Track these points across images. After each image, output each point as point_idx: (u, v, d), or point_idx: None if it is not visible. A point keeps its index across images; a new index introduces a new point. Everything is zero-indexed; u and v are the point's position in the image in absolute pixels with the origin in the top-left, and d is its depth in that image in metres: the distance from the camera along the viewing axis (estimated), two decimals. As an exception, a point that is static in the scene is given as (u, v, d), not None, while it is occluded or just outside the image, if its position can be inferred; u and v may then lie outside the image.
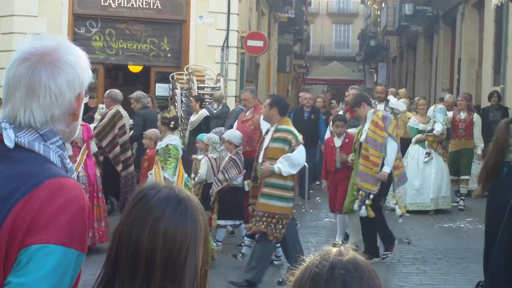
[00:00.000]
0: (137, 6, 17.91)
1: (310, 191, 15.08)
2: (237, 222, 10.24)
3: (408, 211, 13.41)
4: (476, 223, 13.04)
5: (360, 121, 10.63)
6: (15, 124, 2.26)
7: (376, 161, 9.78)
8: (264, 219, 8.58)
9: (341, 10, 68.91)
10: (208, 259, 2.15)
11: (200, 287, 2.11)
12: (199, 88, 15.91)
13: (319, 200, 15.05)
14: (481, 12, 22.57)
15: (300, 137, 8.75)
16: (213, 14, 18.12)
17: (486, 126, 16.18)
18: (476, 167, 15.37)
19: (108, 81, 19.81)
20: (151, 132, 10.53)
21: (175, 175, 9.32)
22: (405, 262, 10.06)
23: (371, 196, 9.78)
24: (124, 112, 11.89)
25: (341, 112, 14.59)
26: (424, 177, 13.88)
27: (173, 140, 9.48)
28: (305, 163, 9.59)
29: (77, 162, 9.53)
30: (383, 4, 45.00)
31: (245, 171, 10.01)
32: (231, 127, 13.86)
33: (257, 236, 8.71)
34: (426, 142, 13.89)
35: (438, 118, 13.90)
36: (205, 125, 13.44)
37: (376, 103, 14.60)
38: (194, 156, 11.32)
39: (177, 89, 16.09)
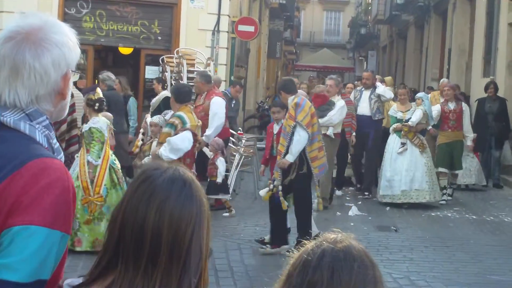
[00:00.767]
0: (128, -13, 17.83)
1: None
2: None
3: (381, 203, 13.45)
4: (463, 212, 13.10)
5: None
6: (0, 104, 2.21)
7: (281, 150, 9.41)
8: None
9: (332, -2, 68.84)
10: (209, 239, 2.13)
11: (204, 269, 2.10)
12: (189, 71, 15.85)
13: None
14: (472, 3, 22.59)
15: (199, 123, 8.80)
16: (205, -3, 18.05)
17: (482, 117, 16.11)
18: (470, 160, 15.27)
19: (97, 62, 19.71)
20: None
21: (99, 157, 9.13)
22: (392, 250, 10.09)
23: (275, 183, 9.45)
24: (76, 92, 11.80)
25: None
26: (395, 168, 13.42)
27: (97, 123, 9.19)
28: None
29: None
30: (375, -7, 44.97)
31: None
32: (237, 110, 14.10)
33: None
34: (402, 132, 13.46)
35: (428, 108, 13.62)
36: (164, 106, 13.31)
37: (363, 89, 14.64)
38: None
39: (167, 72, 16.04)
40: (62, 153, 2.32)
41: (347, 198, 14.01)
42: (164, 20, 18.21)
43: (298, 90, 10.65)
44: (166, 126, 8.84)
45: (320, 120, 12.34)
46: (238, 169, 13.47)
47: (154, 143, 10.18)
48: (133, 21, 18.04)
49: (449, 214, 12.88)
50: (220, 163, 11.81)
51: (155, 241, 1.99)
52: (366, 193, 14.35)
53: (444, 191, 13.96)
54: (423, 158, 13.46)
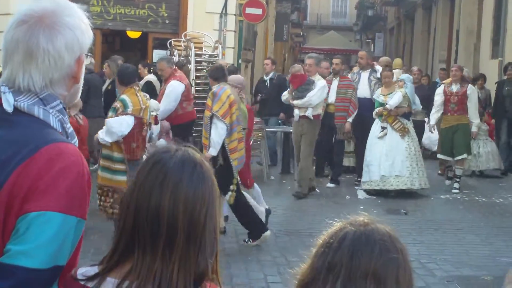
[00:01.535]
0: (136, -29, 17.78)
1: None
2: None
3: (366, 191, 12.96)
4: (472, 195, 13.09)
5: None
6: (14, 88, 2.20)
7: (205, 142, 9.08)
8: (98, 191, 8.42)
9: (339, -21, 68.51)
10: (218, 218, 2.15)
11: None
12: (197, 55, 15.81)
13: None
14: (480, -16, 22.48)
15: (144, 106, 8.47)
16: (212, -20, 17.98)
17: (500, 100, 15.66)
18: (490, 145, 14.86)
19: (105, 46, 19.69)
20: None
21: None
22: (402, 233, 10.07)
23: None
24: None
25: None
26: (375, 153, 12.84)
27: None
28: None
29: None
30: (382, -26, 44.76)
31: None
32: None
33: None
34: (382, 116, 12.89)
35: (409, 91, 13.01)
36: (146, 91, 13.27)
37: (360, 71, 14.18)
38: None
39: (175, 55, 16.00)
40: (76, 137, 2.32)
41: (356, 182, 13.89)
42: (172, 4, 18.16)
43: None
44: (110, 110, 8.60)
45: (299, 102, 12.30)
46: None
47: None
48: (141, 5, 18.00)
49: (459, 197, 12.87)
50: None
51: (172, 225, 2.00)
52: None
53: (457, 179, 13.45)
54: (404, 142, 12.82)
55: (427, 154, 15.75)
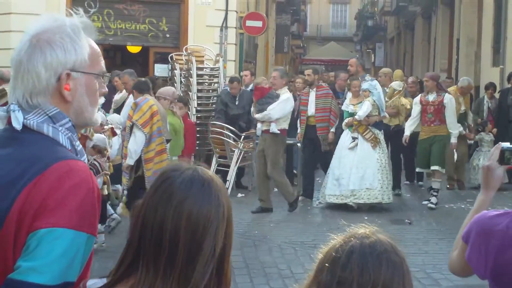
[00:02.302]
0: (136, -14, 17.83)
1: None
2: None
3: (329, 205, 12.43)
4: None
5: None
6: (22, 107, 2.24)
7: (125, 152, 9.07)
8: None
9: (339, -10, 68.70)
10: (231, 240, 2.14)
11: (218, 270, 2.09)
12: (198, 68, 15.85)
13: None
14: (480, -8, 22.53)
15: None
16: (212, -6, 18.02)
17: (504, 109, 15.23)
18: (479, 156, 14.31)
19: (106, 61, 19.31)
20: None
21: None
22: (407, 243, 10.05)
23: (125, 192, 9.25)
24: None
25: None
26: (345, 164, 12.25)
27: None
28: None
29: None
30: (381, -16, 44.90)
31: None
32: (220, 111, 13.88)
33: None
34: (353, 126, 12.33)
35: (377, 99, 12.35)
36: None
37: (349, 80, 13.57)
38: None
39: (176, 69, 16.04)
40: (85, 155, 2.34)
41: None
42: (172, 18, 18.19)
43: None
44: None
45: (259, 115, 11.98)
46: (237, 165, 13.48)
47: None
48: (141, 19, 18.03)
49: (463, 206, 12.83)
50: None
51: (173, 242, 2.01)
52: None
53: (434, 193, 12.76)
54: (375, 153, 12.25)
55: None
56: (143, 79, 10.58)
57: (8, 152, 2.18)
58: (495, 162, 2.95)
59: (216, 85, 15.64)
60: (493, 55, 20.19)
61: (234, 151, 13.42)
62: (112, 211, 9.90)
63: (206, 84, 15.66)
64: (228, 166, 13.45)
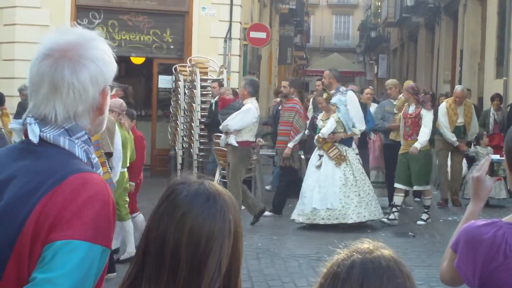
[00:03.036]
0: (140, -3, 17.86)
1: None
2: None
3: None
4: (480, 216, 12.98)
5: None
6: (39, 120, 2.25)
7: None
8: None
9: (341, 1, 68.83)
10: (240, 256, 2.12)
11: (225, 286, 2.08)
12: (202, 80, 15.87)
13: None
14: (483, 4, 22.54)
15: None
16: (216, 5, 18.04)
17: None
18: (472, 171, 13.23)
19: (110, 73, 19.69)
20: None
21: None
22: (410, 256, 10.05)
23: None
24: None
25: None
26: (309, 183, 11.83)
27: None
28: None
29: None
30: (384, -4, 44.95)
31: None
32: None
33: None
34: (319, 144, 11.92)
35: (343, 116, 11.79)
36: None
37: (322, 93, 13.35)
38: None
39: (180, 81, 16.07)
40: (101, 168, 2.37)
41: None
42: (176, 29, 18.23)
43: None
44: None
45: (221, 126, 11.97)
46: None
47: None
48: (145, 31, 18.06)
49: (467, 218, 12.79)
50: None
51: (175, 256, 2.00)
52: None
53: (394, 209, 12.31)
54: (339, 171, 11.70)
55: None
56: None
57: (24, 165, 2.21)
58: (484, 174, 3.03)
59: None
60: (497, 66, 20.18)
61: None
62: None
63: (210, 95, 15.64)
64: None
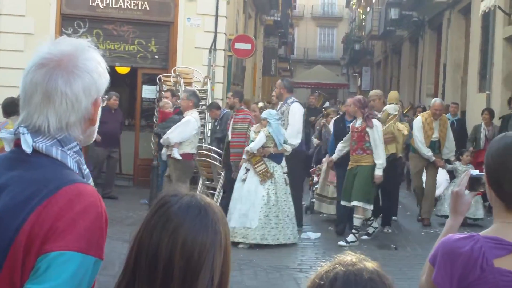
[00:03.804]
0: (125, 7, 17.82)
1: None
2: None
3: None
4: (461, 229, 13.04)
5: None
6: (32, 130, 2.26)
7: None
8: None
9: (326, 14, 68.98)
10: (228, 269, 2.14)
11: None
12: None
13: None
14: (467, 18, 22.66)
15: None
16: (201, 16, 18.07)
17: None
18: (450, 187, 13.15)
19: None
20: None
21: None
22: (392, 268, 10.04)
23: None
24: None
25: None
26: (235, 199, 11.39)
27: None
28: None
29: None
30: (368, 8, 45.12)
31: None
32: (223, 130, 13.67)
33: None
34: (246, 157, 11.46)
35: (273, 131, 11.29)
36: None
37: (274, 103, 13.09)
38: None
39: (164, 91, 16.05)
40: (91, 178, 2.37)
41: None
42: (161, 39, 18.23)
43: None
44: None
45: (162, 140, 11.92)
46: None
47: None
48: (130, 40, 18.05)
49: (448, 231, 12.84)
50: None
51: (167, 269, 2.01)
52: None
53: (354, 230, 11.61)
54: (263, 189, 11.20)
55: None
56: (9, 99, 9.28)
57: (17, 174, 2.21)
58: (464, 188, 3.07)
59: (204, 107, 15.62)
60: (480, 81, 20.28)
61: (221, 173, 13.34)
62: None
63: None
64: (215, 189, 13.43)
